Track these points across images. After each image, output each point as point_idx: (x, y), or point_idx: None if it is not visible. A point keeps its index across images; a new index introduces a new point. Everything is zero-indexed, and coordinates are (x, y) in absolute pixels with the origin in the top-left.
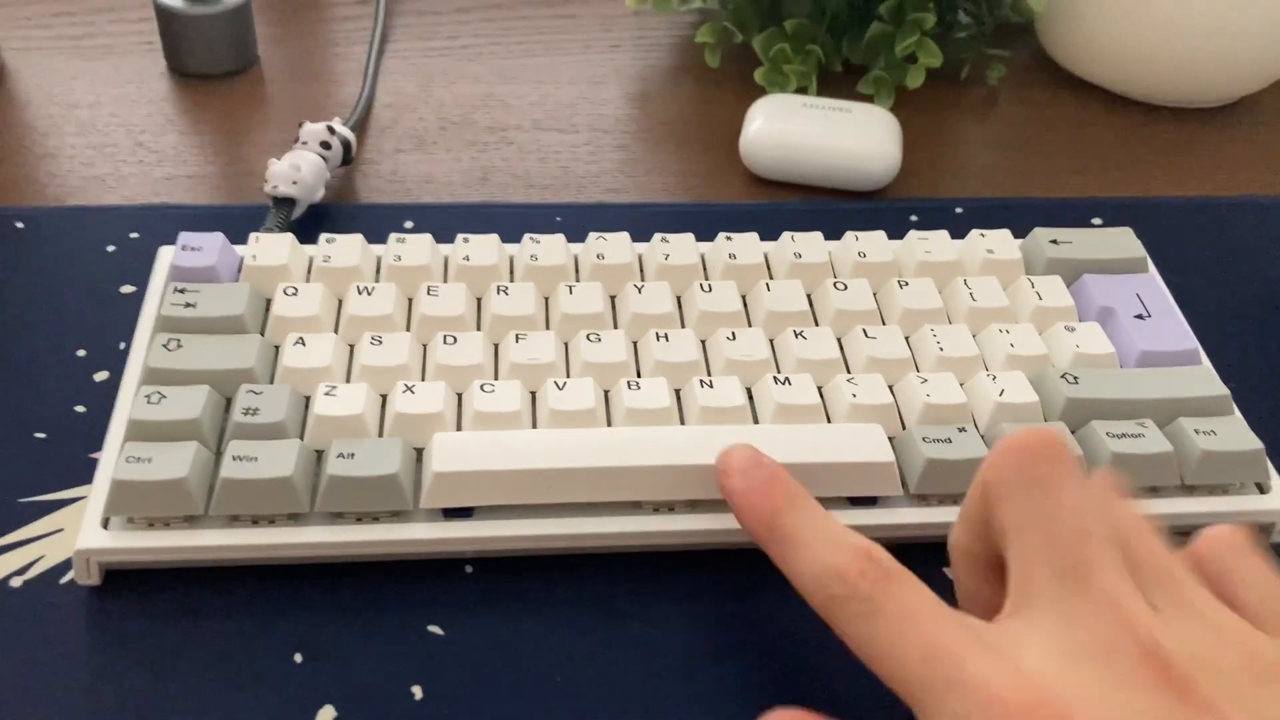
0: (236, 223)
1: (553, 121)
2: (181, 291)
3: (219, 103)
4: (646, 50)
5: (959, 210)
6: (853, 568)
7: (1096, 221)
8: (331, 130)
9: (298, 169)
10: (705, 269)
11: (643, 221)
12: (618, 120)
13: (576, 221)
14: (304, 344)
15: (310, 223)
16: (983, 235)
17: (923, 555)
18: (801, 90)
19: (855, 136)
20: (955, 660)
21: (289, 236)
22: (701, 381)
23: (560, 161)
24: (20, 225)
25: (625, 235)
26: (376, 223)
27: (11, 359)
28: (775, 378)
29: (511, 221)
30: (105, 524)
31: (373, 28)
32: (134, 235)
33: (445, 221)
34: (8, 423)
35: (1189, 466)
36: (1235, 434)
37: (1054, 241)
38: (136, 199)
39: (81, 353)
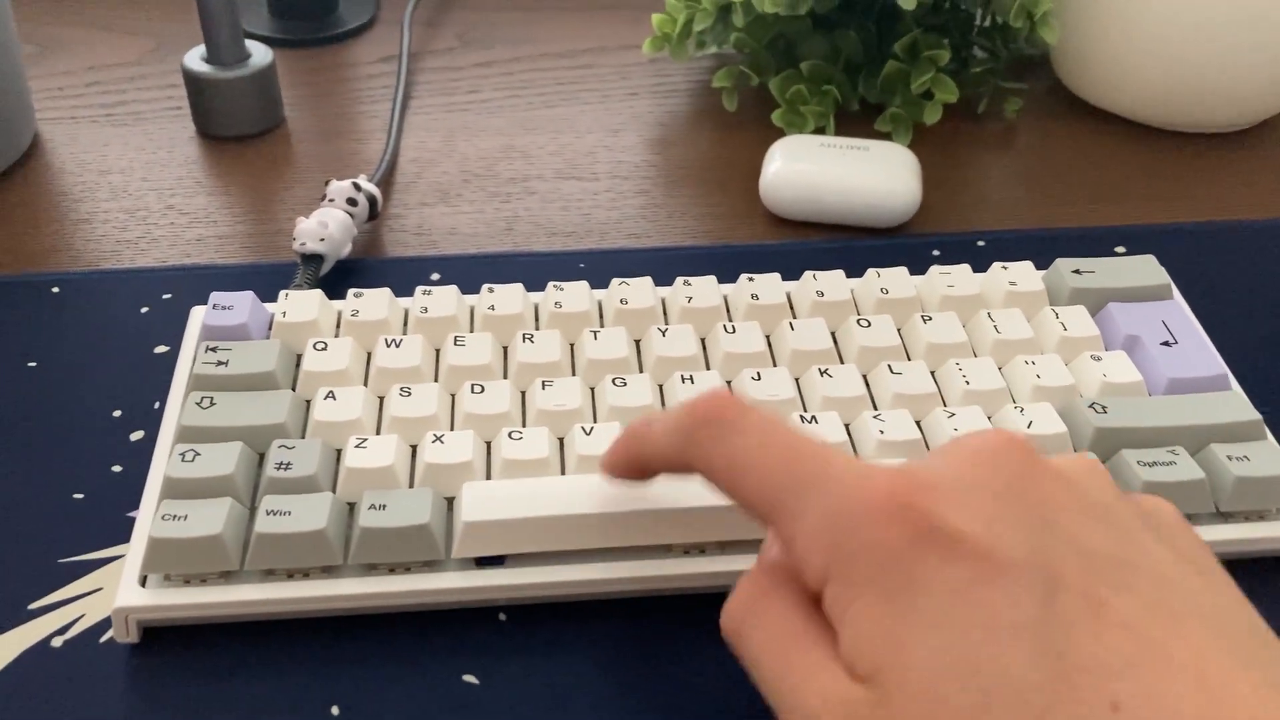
0: (267, 280)
1: (573, 170)
2: (213, 350)
3: (247, 163)
4: (664, 96)
5: (981, 243)
6: (712, 401)
7: (1120, 250)
8: (357, 187)
9: (325, 226)
10: (729, 310)
11: (665, 265)
12: (637, 166)
13: (600, 267)
14: (334, 397)
15: (338, 278)
16: (1005, 268)
17: None
18: (819, 130)
19: (875, 174)
20: (823, 458)
21: (317, 293)
22: None
23: (582, 209)
24: (56, 290)
25: (648, 280)
26: (403, 276)
27: (50, 421)
28: (802, 416)
29: (536, 270)
30: (143, 582)
31: (395, 85)
32: (166, 296)
33: (471, 272)
34: (47, 484)
35: (1223, 493)
36: (1269, 458)
37: (1077, 271)
38: (169, 260)
39: (117, 413)
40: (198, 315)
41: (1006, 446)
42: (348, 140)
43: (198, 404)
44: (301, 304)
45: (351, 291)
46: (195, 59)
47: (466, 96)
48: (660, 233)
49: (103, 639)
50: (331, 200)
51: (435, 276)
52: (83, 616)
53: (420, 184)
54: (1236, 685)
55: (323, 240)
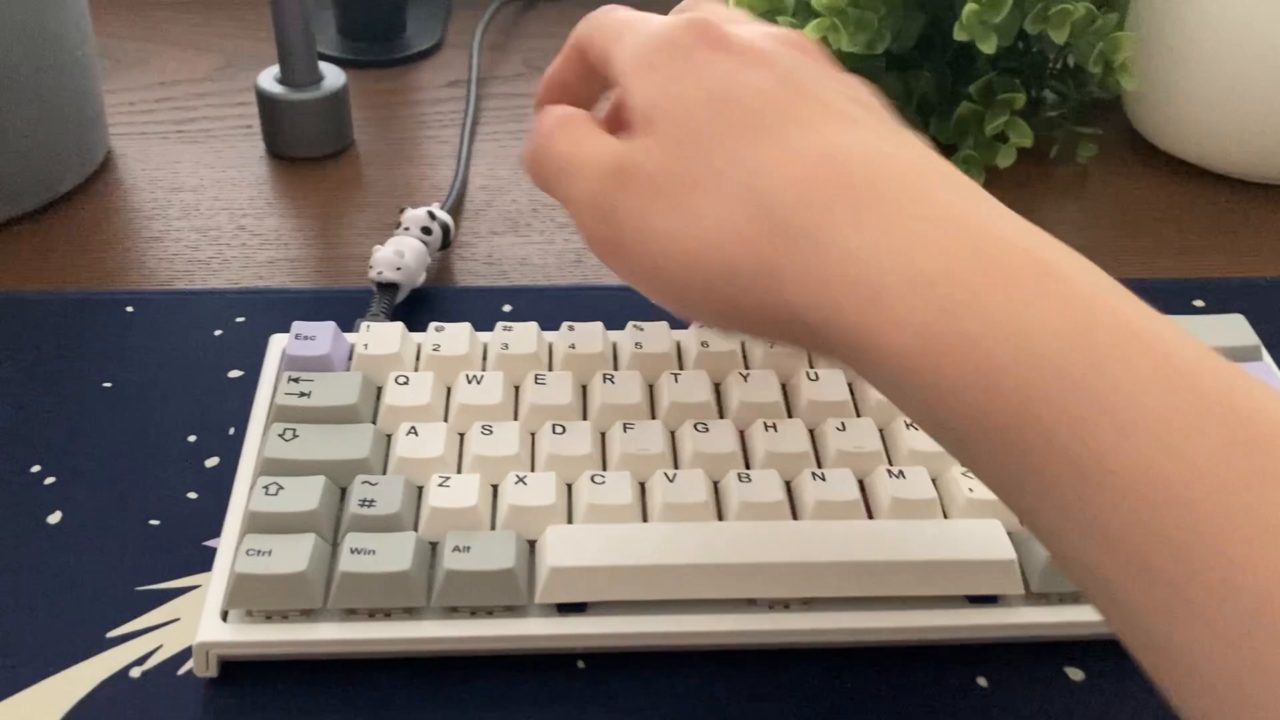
0: (339, 306)
1: None
2: (296, 381)
3: (317, 186)
4: None
5: None
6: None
7: (1198, 304)
8: (432, 215)
9: (401, 255)
10: (810, 356)
11: None
12: None
13: None
14: (416, 433)
15: (412, 307)
16: None
17: (1045, 655)
18: None
19: None
20: (626, 21)
21: (399, 325)
22: (813, 474)
23: None
24: (130, 309)
25: None
26: (476, 306)
27: (125, 444)
28: (889, 470)
29: (609, 304)
30: (224, 616)
31: (464, 111)
32: (240, 319)
33: (543, 305)
34: (124, 508)
35: None
36: None
37: None
38: (240, 282)
39: (192, 438)
40: (277, 343)
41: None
42: (417, 165)
43: (280, 436)
44: (383, 336)
45: (433, 325)
46: (269, 79)
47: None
48: None
49: (180, 670)
50: (407, 229)
51: (507, 308)
52: (161, 647)
53: (490, 212)
54: (870, 129)
55: (399, 270)
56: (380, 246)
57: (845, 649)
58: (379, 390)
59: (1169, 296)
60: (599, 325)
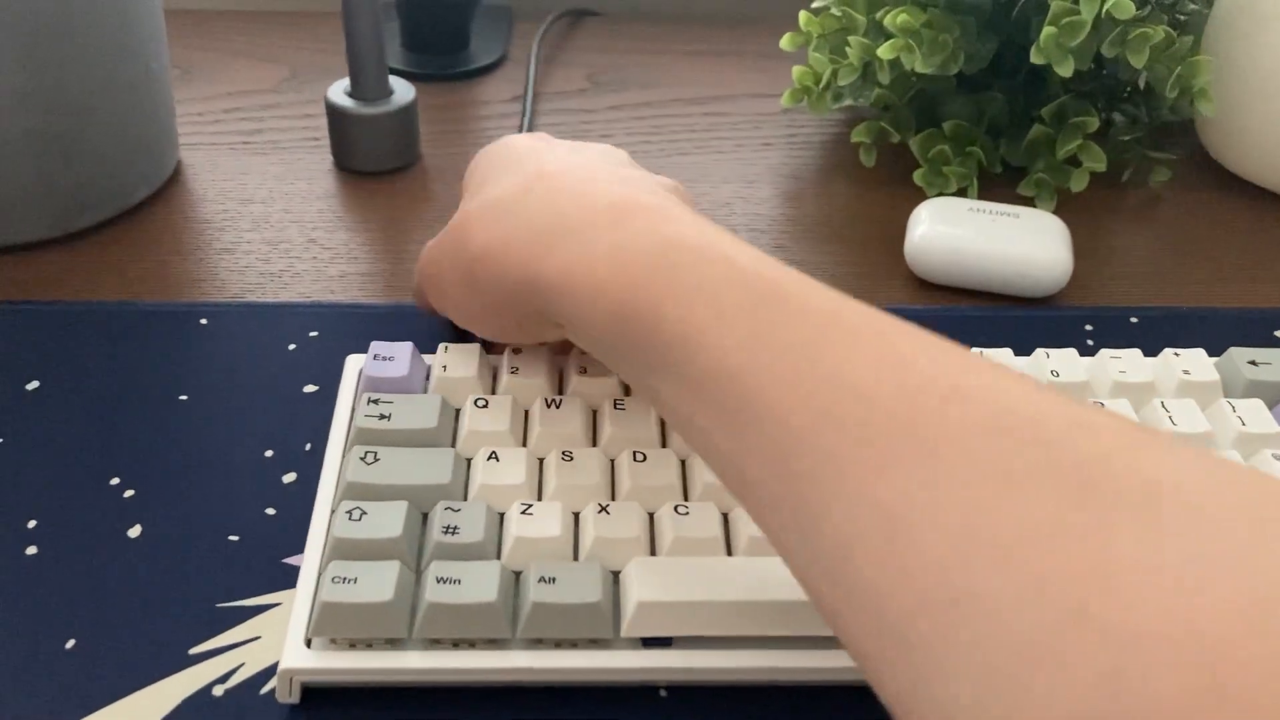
0: (411, 322)
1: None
2: (375, 403)
3: (385, 200)
4: (798, 148)
5: (1134, 320)
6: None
7: (1279, 334)
8: None
9: None
10: None
11: None
12: (774, 220)
13: None
14: (497, 459)
15: None
16: (1177, 354)
17: None
18: (961, 192)
19: (1026, 242)
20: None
21: (476, 347)
22: None
23: None
24: (204, 322)
25: None
26: None
27: (203, 459)
28: None
29: None
30: (308, 643)
31: (521, 125)
32: (313, 334)
33: None
34: (203, 524)
35: None
36: None
37: (1252, 363)
38: (312, 295)
39: (269, 453)
40: (354, 362)
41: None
42: None
43: (362, 459)
44: (461, 359)
45: (509, 348)
46: (339, 93)
47: (600, 140)
48: None
49: (262, 690)
50: None
51: None
52: (242, 665)
53: None
54: (601, 171)
55: None
56: None
57: None
58: (457, 413)
59: (1251, 325)
60: None
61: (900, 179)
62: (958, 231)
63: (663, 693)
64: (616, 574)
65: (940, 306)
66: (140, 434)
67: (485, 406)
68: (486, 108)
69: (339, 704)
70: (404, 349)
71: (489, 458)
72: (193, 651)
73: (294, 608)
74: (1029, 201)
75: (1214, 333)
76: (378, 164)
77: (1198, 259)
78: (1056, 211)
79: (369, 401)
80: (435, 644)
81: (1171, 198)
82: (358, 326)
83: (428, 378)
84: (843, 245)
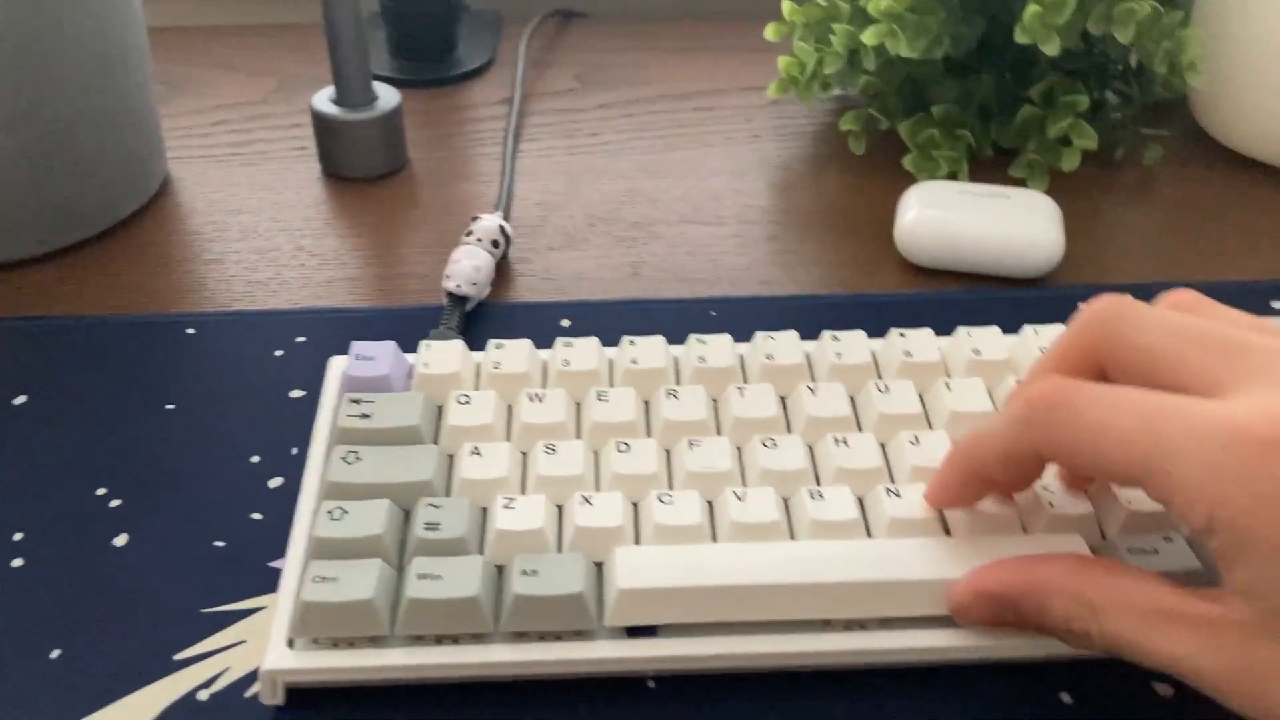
0: (400, 324)
1: (699, 214)
2: (356, 402)
3: (374, 205)
4: (788, 139)
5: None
6: (1048, 385)
7: (1277, 305)
8: (503, 230)
9: (479, 270)
10: (878, 368)
11: (804, 315)
12: (765, 211)
13: (733, 316)
14: (479, 454)
15: (469, 320)
16: None
17: (1131, 670)
18: (952, 176)
19: (1017, 222)
20: (1175, 409)
21: (459, 343)
22: (887, 490)
23: (710, 254)
24: (191, 331)
25: (794, 334)
26: (535, 321)
27: (190, 466)
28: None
29: (667, 317)
30: (290, 643)
31: (507, 127)
32: (300, 339)
33: (601, 319)
34: (188, 530)
35: None
36: None
37: None
38: (300, 302)
39: (255, 459)
40: (336, 364)
41: None
42: (472, 183)
43: (343, 459)
44: (444, 355)
45: (492, 342)
46: (324, 100)
47: (587, 139)
48: (793, 280)
49: (247, 694)
50: (479, 240)
51: (565, 323)
52: (227, 670)
53: (546, 228)
54: None
55: (475, 284)
56: (456, 258)
57: (924, 668)
58: (440, 410)
59: (1246, 299)
60: (660, 339)
61: (891, 166)
62: (947, 214)
63: (651, 684)
64: (601, 566)
65: (934, 291)
66: (127, 444)
67: (468, 402)
68: (474, 111)
69: (324, 704)
70: (385, 348)
71: (472, 453)
72: (177, 657)
73: (276, 609)
74: (1021, 184)
75: None
76: (365, 170)
77: (1193, 234)
78: (1049, 193)
79: (350, 401)
80: (418, 640)
81: (1165, 174)
82: (345, 330)
83: (410, 375)
84: (834, 233)
